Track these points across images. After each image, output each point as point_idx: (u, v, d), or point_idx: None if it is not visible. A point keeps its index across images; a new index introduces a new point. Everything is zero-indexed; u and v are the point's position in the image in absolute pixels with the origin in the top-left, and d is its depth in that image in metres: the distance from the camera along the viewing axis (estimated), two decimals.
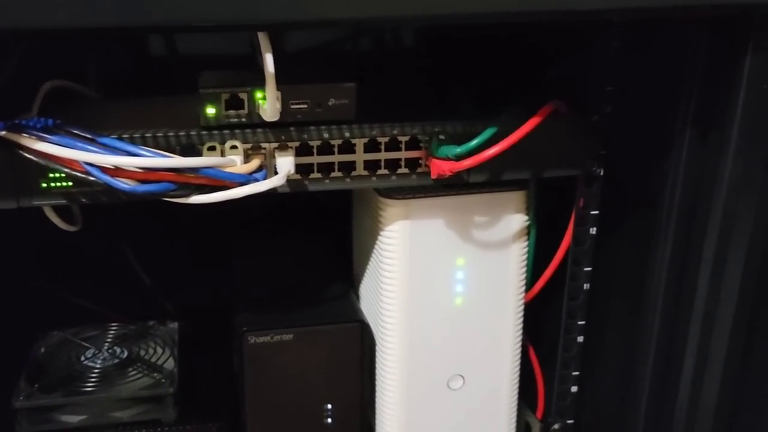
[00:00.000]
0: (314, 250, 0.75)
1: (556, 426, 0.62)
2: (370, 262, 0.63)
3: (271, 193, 0.50)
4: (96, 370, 0.62)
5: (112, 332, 0.68)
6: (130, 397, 0.60)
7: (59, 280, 0.78)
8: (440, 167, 0.50)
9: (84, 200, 0.49)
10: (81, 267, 0.79)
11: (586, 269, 0.58)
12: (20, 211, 0.74)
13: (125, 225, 0.79)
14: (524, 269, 0.61)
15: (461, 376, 0.63)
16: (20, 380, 0.60)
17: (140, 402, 0.60)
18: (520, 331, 0.63)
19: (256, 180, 0.47)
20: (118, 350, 0.65)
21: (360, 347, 0.61)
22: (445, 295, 0.60)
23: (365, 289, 0.66)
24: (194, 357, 0.67)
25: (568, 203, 0.58)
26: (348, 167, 0.52)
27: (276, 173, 0.50)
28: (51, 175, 0.48)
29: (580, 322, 0.60)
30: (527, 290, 0.62)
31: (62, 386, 0.60)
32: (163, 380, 0.61)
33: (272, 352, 0.60)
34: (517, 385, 0.65)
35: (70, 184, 0.49)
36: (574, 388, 0.62)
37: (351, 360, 0.61)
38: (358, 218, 0.67)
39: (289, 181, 0.51)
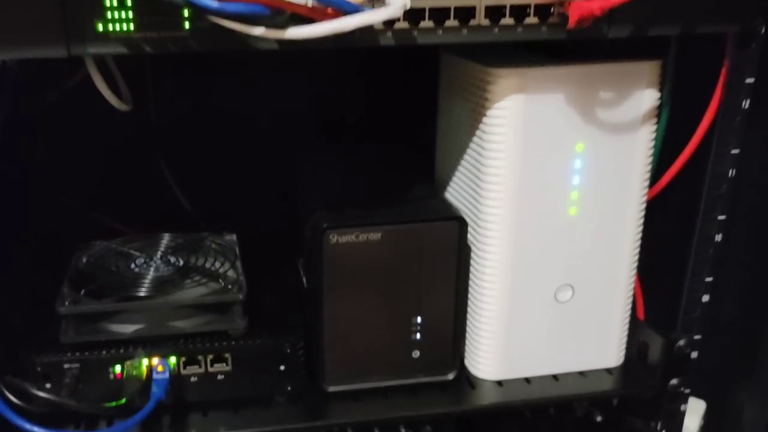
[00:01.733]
0: (387, 151, 0.67)
1: (681, 342, 0.54)
2: (464, 155, 0.54)
3: (368, 46, 0.42)
4: (150, 276, 0.54)
5: (163, 242, 0.60)
6: (193, 304, 0.51)
7: (91, 199, 0.70)
8: (585, 9, 0.41)
9: (148, 48, 0.40)
10: (115, 186, 0.71)
11: (733, 151, 0.49)
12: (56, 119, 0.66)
13: (161, 139, 0.71)
14: (650, 158, 0.52)
15: (571, 286, 0.54)
16: (63, 287, 0.52)
17: (204, 310, 0.52)
18: (640, 234, 0.54)
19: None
20: (173, 259, 0.57)
21: (458, 249, 0.52)
22: (559, 189, 0.52)
23: (454, 190, 0.58)
24: (255, 269, 0.58)
25: (709, 75, 0.49)
26: (466, 15, 0.43)
27: None
28: (109, 14, 0.40)
29: (720, 217, 0.51)
30: (650, 185, 0.54)
31: (112, 292, 0.51)
32: (230, 287, 0.52)
33: (356, 254, 0.51)
34: (631, 299, 0.57)
35: (132, 27, 0.40)
36: (705, 297, 0.53)
37: (446, 265, 0.53)
38: (447, 106, 0.58)
39: (395, 32, 0.42)
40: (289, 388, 0.54)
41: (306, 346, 0.54)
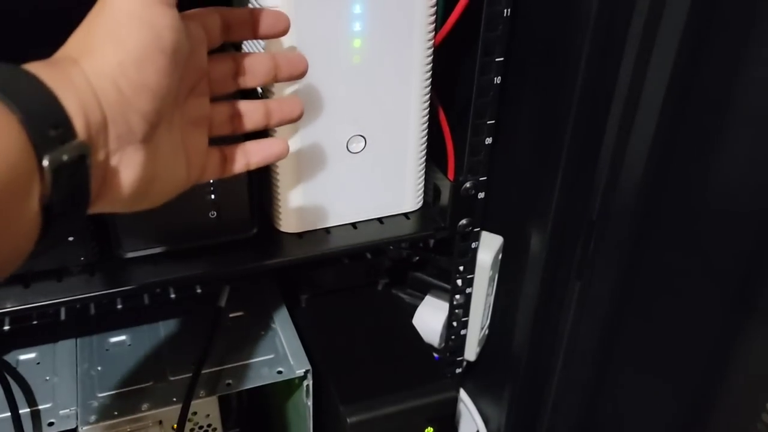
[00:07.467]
0: None
1: (467, 184, 0.56)
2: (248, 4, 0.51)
3: None
4: None
5: None
6: None
7: None
8: None
9: None
10: None
11: None
12: None
13: None
14: (434, 1, 0.51)
15: (362, 136, 0.54)
16: None
17: None
18: (429, 80, 0.54)
19: None
20: None
21: None
22: (340, 36, 0.50)
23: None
24: None
25: None
26: None
27: None
28: None
29: (497, 59, 0.52)
30: (437, 29, 0.53)
31: None
32: None
33: None
34: (424, 146, 0.58)
35: None
36: (488, 140, 0.55)
37: None
38: None
39: None
40: (82, 259, 0.53)
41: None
